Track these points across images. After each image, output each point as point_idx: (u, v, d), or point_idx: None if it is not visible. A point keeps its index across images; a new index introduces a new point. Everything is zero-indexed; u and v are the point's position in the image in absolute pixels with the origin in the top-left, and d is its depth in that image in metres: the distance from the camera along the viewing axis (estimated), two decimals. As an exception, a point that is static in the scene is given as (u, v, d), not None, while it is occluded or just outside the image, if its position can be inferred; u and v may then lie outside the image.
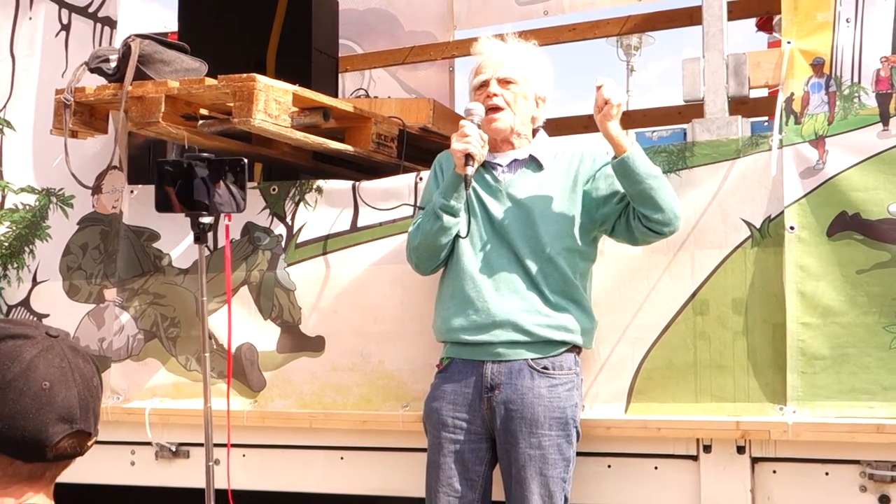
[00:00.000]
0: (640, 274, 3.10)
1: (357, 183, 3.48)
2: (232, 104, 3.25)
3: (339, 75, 5.27)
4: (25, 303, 3.88)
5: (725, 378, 2.98)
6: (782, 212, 2.96)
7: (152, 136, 3.63)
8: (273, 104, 3.27)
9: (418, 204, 3.29)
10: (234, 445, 3.16)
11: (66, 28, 3.99)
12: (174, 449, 3.58)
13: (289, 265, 3.49)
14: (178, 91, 3.36)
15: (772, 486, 2.96)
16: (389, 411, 3.31)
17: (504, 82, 2.97)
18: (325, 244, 3.46)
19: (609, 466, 3.10)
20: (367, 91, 5.68)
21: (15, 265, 3.91)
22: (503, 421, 2.85)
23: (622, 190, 2.88)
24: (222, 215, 2.97)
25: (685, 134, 3.17)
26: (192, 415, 3.46)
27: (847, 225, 2.90)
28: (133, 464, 3.66)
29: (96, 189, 3.82)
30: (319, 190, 3.51)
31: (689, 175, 3.07)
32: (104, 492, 3.68)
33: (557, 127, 4.77)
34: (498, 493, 2.94)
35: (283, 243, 3.51)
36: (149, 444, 3.60)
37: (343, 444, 3.40)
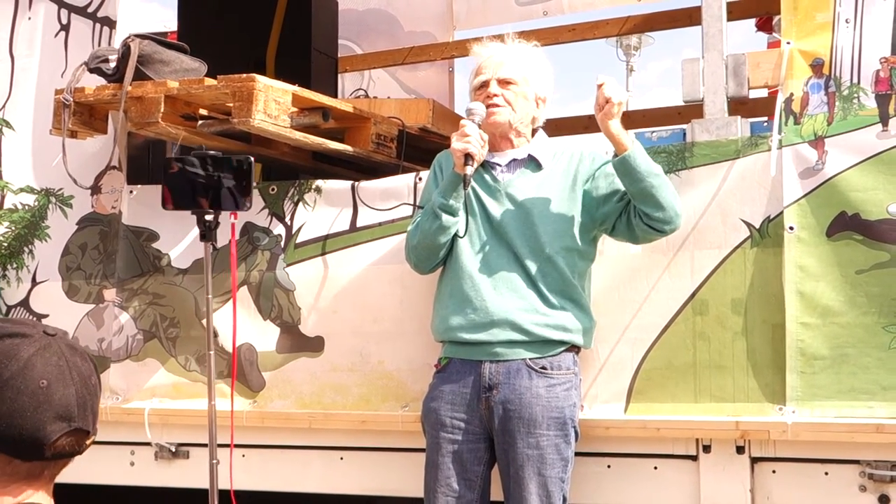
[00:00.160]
0: (640, 274, 3.10)
1: (356, 183, 3.48)
2: (231, 104, 3.25)
3: (339, 75, 5.27)
4: (25, 303, 3.88)
5: (725, 378, 2.98)
6: (782, 212, 2.96)
7: (152, 137, 3.63)
8: (272, 104, 3.27)
9: (417, 203, 3.30)
10: (233, 445, 3.16)
11: (65, 28, 3.99)
12: (174, 449, 3.58)
13: (288, 265, 3.49)
14: (177, 91, 3.36)
15: (771, 486, 2.96)
16: (389, 411, 3.31)
17: (504, 83, 2.98)
18: (325, 244, 3.46)
19: (609, 466, 3.10)
20: (366, 91, 5.68)
21: (14, 265, 3.91)
22: (501, 421, 2.85)
23: (622, 188, 2.88)
24: (228, 213, 2.96)
25: (685, 134, 3.17)
26: (192, 415, 3.47)
27: (846, 225, 2.91)
28: (132, 464, 3.66)
29: (95, 189, 3.82)
30: (318, 190, 3.51)
31: (688, 175, 3.07)
32: (104, 492, 3.68)
33: (558, 127, 4.78)
34: (497, 492, 2.94)
35: (282, 243, 3.51)
36: (148, 444, 3.60)
37: (342, 445, 3.40)
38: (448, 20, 5.84)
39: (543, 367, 2.87)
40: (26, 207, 3.94)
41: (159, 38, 3.57)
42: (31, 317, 3.85)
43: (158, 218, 3.56)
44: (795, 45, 3.03)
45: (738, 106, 3.32)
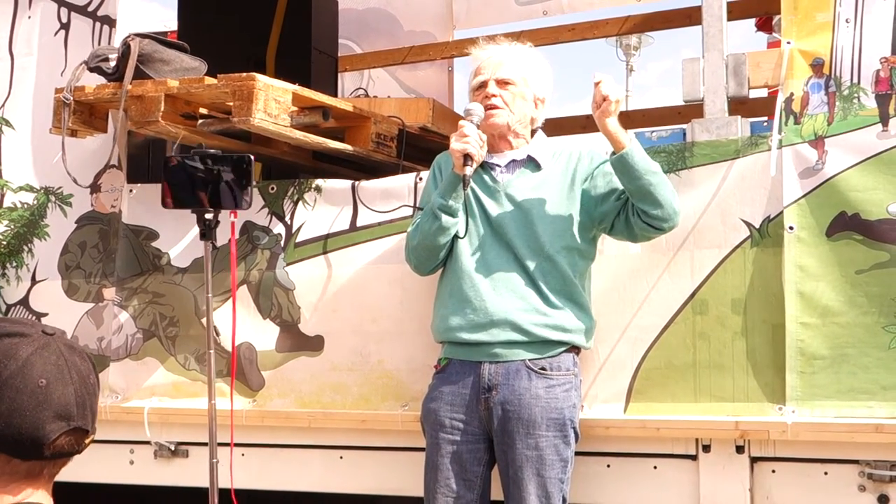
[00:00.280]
0: (640, 274, 3.10)
1: (356, 182, 3.48)
2: (231, 103, 3.25)
3: (339, 75, 5.27)
4: (24, 302, 3.88)
5: (724, 378, 2.98)
6: (781, 212, 2.96)
7: (152, 135, 3.63)
8: (273, 103, 3.27)
9: (417, 204, 3.30)
10: (230, 445, 3.16)
11: (65, 27, 3.99)
12: (173, 448, 3.58)
13: (288, 264, 3.48)
14: (177, 90, 3.36)
15: (771, 486, 2.96)
16: (388, 411, 3.31)
17: (502, 83, 2.98)
18: (325, 243, 3.46)
19: (608, 466, 3.10)
20: (366, 91, 5.68)
21: (14, 264, 3.91)
22: (500, 422, 2.85)
23: (621, 187, 2.88)
24: (228, 212, 2.96)
25: (684, 134, 3.17)
26: (191, 414, 3.47)
27: (846, 225, 2.91)
28: (132, 463, 3.66)
29: (95, 188, 3.82)
30: (318, 189, 3.51)
31: (688, 175, 3.07)
32: (103, 491, 3.68)
33: (556, 126, 4.77)
34: (497, 492, 2.94)
35: (281, 242, 3.51)
36: (148, 443, 3.59)
37: (342, 444, 3.40)
38: (448, 20, 5.84)
39: (543, 368, 2.87)
40: (26, 206, 3.93)
41: (159, 38, 3.57)
42: (30, 315, 3.85)
43: (158, 217, 3.56)
44: (796, 45, 3.03)
45: (738, 106, 3.32)
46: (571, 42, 5.56)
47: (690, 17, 4.88)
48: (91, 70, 3.53)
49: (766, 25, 6.87)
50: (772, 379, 2.94)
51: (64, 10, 3.98)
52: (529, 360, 2.87)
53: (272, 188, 3.57)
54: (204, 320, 3.21)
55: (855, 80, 2.94)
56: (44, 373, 1.48)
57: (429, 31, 5.81)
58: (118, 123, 3.49)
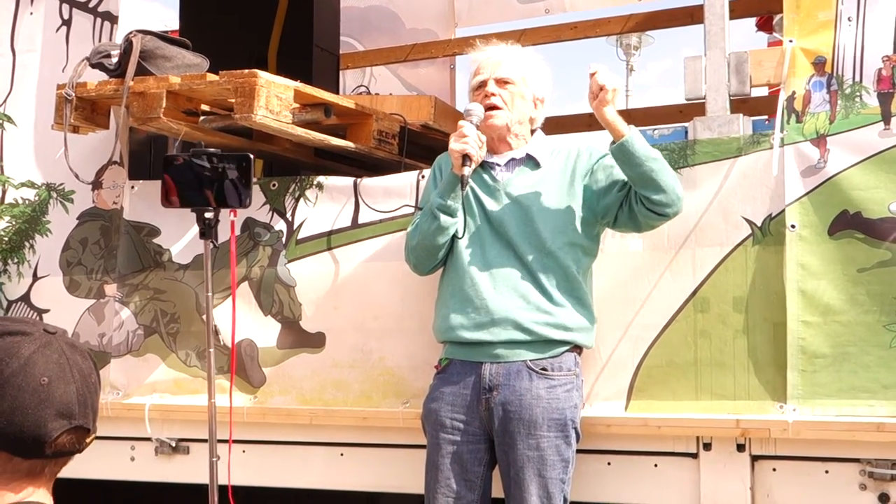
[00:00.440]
0: (641, 272, 3.09)
1: (358, 180, 3.48)
2: (233, 100, 3.25)
3: (340, 72, 5.28)
4: (26, 298, 3.88)
5: (726, 376, 2.98)
6: (783, 210, 2.96)
7: (153, 132, 3.63)
8: (274, 100, 3.27)
9: (417, 204, 3.30)
10: (234, 441, 3.16)
11: (66, 23, 3.98)
12: (174, 445, 3.58)
13: (289, 261, 3.48)
14: (179, 87, 3.35)
15: (771, 484, 2.96)
16: (389, 408, 3.31)
17: (502, 82, 2.98)
18: (326, 240, 3.46)
19: (609, 464, 3.10)
20: (368, 88, 5.69)
21: (15, 260, 3.91)
22: (501, 422, 2.85)
23: (622, 178, 2.88)
24: (227, 210, 2.96)
25: (686, 132, 3.17)
26: (192, 411, 3.47)
27: (848, 224, 2.90)
28: (133, 459, 3.66)
29: (96, 184, 3.82)
30: (320, 186, 3.51)
31: (690, 173, 3.07)
32: (104, 487, 3.68)
33: (558, 125, 4.77)
34: (497, 492, 2.94)
35: (283, 239, 3.51)
36: (149, 439, 3.60)
37: (343, 441, 3.40)
38: (449, 17, 5.85)
39: (544, 369, 2.86)
40: (27, 202, 3.93)
41: (161, 34, 3.57)
42: (32, 311, 3.85)
43: (160, 213, 3.56)
44: (798, 44, 3.03)
45: (740, 104, 3.31)
46: (573, 41, 5.55)
47: (693, 15, 4.88)
48: (93, 66, 3.53)
49: (766, 25, 6.88)
50: (773, 377, 2.94)
51: (65, 7, 3.98)
52: (531, 360, 2.87)
53: (274, 185, 3.57)
54: (205, 316, 3.20)
55: (857, 79, 2.94)
56: (45, 371, 1.48)
57: (430, 29, 5.82)
58: (120, 120, 3.49)
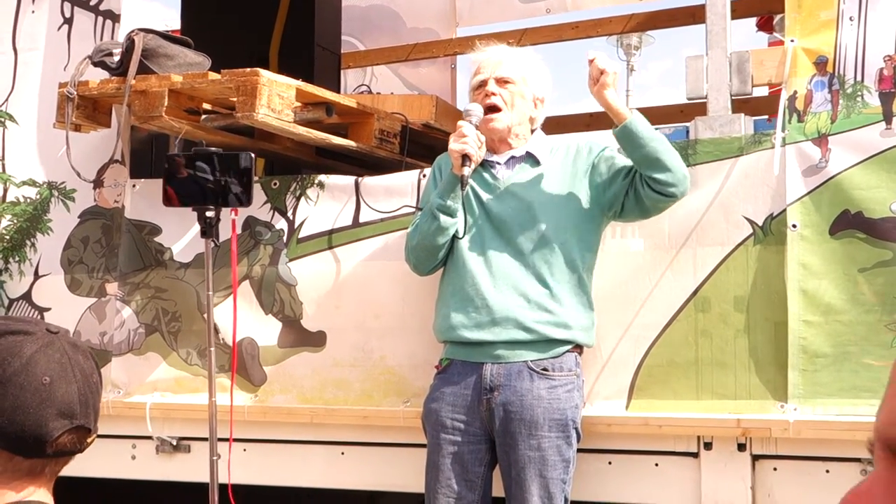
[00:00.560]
0: (642, 271, 3.10)
1: (359, 179, 3.48)
2: (235, 99, 3.26)
3: (342, 72, 5.28)
4: (27, 296, 3.88)
5: (727, 375, 2.98)
6: (784, 210, 2.96)
7: (155, 131, 3.63)
8: (276, 99, 3.27)
9: (418, 204, 3.30)
10: (234, 440, 3.16)
11: (68, 21, 3.98)
12: (175, 443, 3.58)
13: (290, 260, 3.49)
14: (181, 85, 3.36)
15: (772, 484, 2.96)
16: (390, 407, 3.31)
17: (502, 82, 2.99)
18: (327, 239, 3.46)
19: (610, 463, 3.10)
20: (369, 87, 5.69)
21: (17, 258, 3.91)
22: (502, 423, 2.85)
23: (625, 166, 2.90)
24: (228, 209, 2.96)
25: (688, 132, 3.17)
26: (193, 409, 3.47)
27: (849, 223, 2.90)
28: (134, 458, 3.66)
29: (98, 183, 3.82)
30: (321, 185, 3.51)
31: (691, 173, 3.05)
32: (105, 485, 3.68)
33: (559, 125, 4.77)
34: (498, 492, 2.94)
35: (284, 238, 3.51)
36: (149, 438, 3.60)
37: (344, 440, 3.40)
38: (451, 17, 5.84)
39: (545, 369, 2.86)
40: (29, 200, 3.93)
41: (164, 33, 3.57)
42: (33, 310, 3.85)
43: (161, 212, 3.55)
44: (799, 43, 3.03)
45: (741, 104, 3.32)
46: (574, 40, 5.55)
47: (694, 15, 4.88)
48: (95, 65, 3.54)
49: (766, 25, 6.87)
50: (774, 376, 2.94)
51: (67, 5, 3.98)
52: (532, 360, 2.87)
53: (275, 184, 3.57)
54: (206, 315, 3.21)
55: (858, 78, 2.94)
56: (47, 370, 1.48)
57: (432, 29, 5.82)
58: (122, 118, 3.50)
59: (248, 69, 3.24)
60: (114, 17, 3.90)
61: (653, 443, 3.06)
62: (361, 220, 3.43)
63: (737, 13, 3.94)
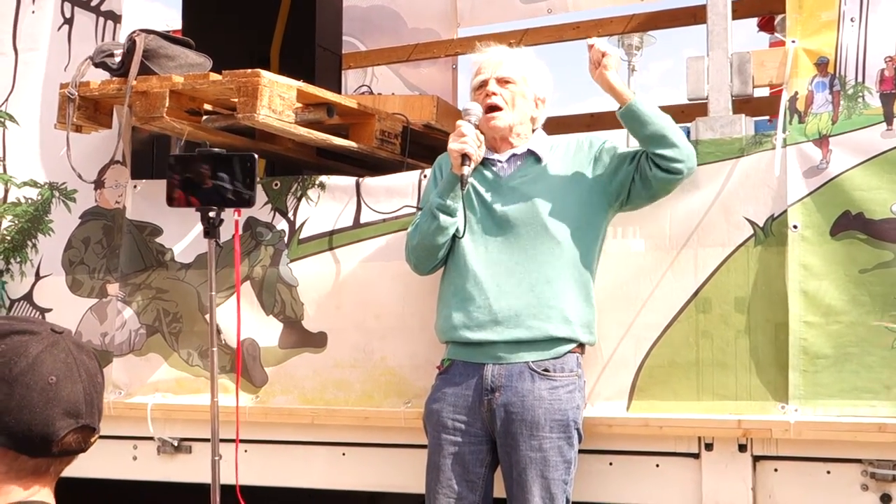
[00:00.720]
0: (643, 272, 3.09)
1: (360, 179, 3.48)
2: (236, 99, 3.26)
3: (343, 72, 5.28)
4: (28, 297, 3.88)
5: (727, 376, 2.98)
6: (785, 211, 2.96)
7: (156, 131, 3.63)
8: (277, 100, 3.27)
9: (419, 204, 3.30)
10: (234, 441, 3.16)
11: (68, 22, 3.99)
12: (176, 444, 3.58)
13: (291, 261, 3.49)
14: (182, 86, 3.36)
15: (773, 485, 2.96)
16: (391, 408, 3.31)
17: (503, 82, 2.99)
18: (328, 240, 3.46)
19: (610, 464, 3.10)
20: (370, 88, 5.69)
21: (18, 259, 3.91)
22: (503, 423, 2.85)
23: (629, 153, 2.93)
24: (231, 210, 2.96)
25: (689, 132, 3.17)
26: (195, 410, 3.47)
27: (850, 224, 2.90)
28: (135, 458, 3.66)
29: (99, 183, 3.82)
30: (322, 186, 3.51)
31: (692, 174, 3.06)
32: (106, 486, 3.68)
33: (560, 125, 4.77)
34: (499, 492, 2.94)
35: (285, 239, 3.51)
36: (151, 438, 3.60)
37: (345, 440, 3.40)
38: (452, 17, 5.84)
39: (546, 370, 2.86)
40: (30, 201, 3.94)
41: (165, 34, 3.57)
42: (34, 311, 3.86)
43: (162, 213, 3.56)
44: (800, 44, 3.03)
45: (742, 104, 3.31)
46: (576, 41, 5.55)
47: (695, 15, 4.88)
48: (96, 65, 3.54)
49: (768, 25, 6.87)
50: (775, 377, 2.94)
51: (67, 5, 3.99)
52: (533, 361, 2.87)
53: (276, 184, 3.57)
54: (207, 316, 3.21)
55: (859, 79, 2.94)
56: (53, 370, 1.49)
57: (433, 29, 5.81)
58: (123, 119, 3.50)
59: (249, 70, 3.24)
60: (115, 17, 3.90)
61: (653, 444, 3.06)
62: (362, 220, 3.43)
63: (738, 13, 3.94)
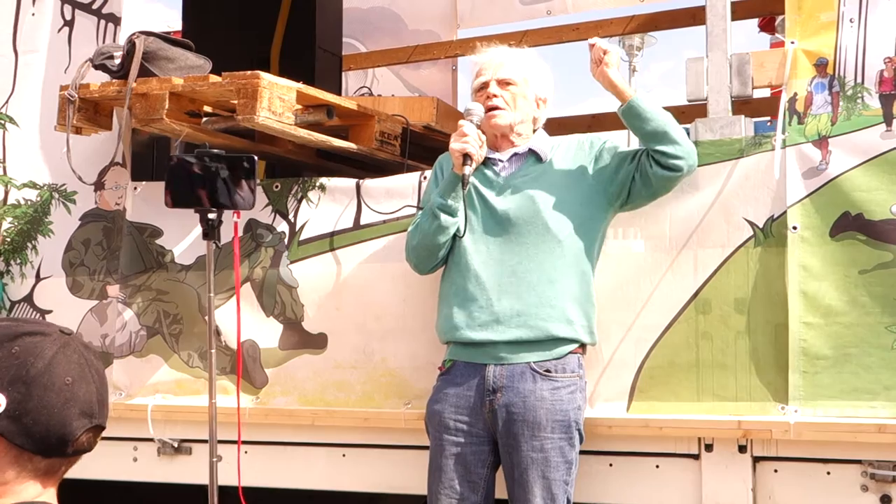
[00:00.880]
0: (643, 273, 3.10)
1: (360, 181, 3.48)
2: (236, 101, 3.26)
3: (343, 73, 5.28)
4: (29, 299, 3.89)
5: (727, 377, 2.98)
6: (785, 212, 2.96)
7: (156, 133, 3.63)
8: (277, 101, 3.27)
9: (419, 205, 3.30)
10: (236, 442, 3.16)
11: (69, 24, 3.99)
12: (176, 445, 3.59)
13: (291, 262, 3.49)
14: (182, 88, 3.36)
15: (773, 486, 2.96)
16: (392, 409, 3.31)
17: (504, 83, 3.00)
18: (329, 241, 3.46)
19: (611, 465, 3.10)
20: (370, 89, 5.69)
21: (18, 261, 3.92)
22: (505, 424, 2.85)
23: (630, 152, 2.94)
24: (231, 212, 2.97)
25: (688, 133, 3.17)
26: (195, 411, 3.47)
27: (850, 225, 2.90)
28: (135, 460, 3.67)
29: (99, 185, 3.83)
30: (322, 187, 3.52)
31: (692, 174, 3.07)
32: (106, 487, 3.68)
33: (561, 126, 4.77)
34: (501, 493, 2.94)
35: (285, 240, 3.51)
36: (151, 440, 3.60)
37: (345, 442, 3.40)
38: (452, 19, 5.84)
39: (548, 371, 2.87)
40: (30, 203, 3.94)
41: (164, 36, 3.58)
42: (35, 312, 3.86)
43: (162, 214, 3.56)
44: (799, 45, 3.03)
45: (742, 105, 3.32)
46: (575, 42, 5.54)
47: (695, 16, 4.88)
48: (96, 67, 3.54)
49: (768, 26, 6.87)
50: (774, 378, 2.94)
51: (68, 7, 3.99)
52: (534, 362, 2.87)
53: (276, 186, 3.58)
54: (207, 317, 3.21)
55: (859, 80, 2.94)
56: (68, 371, 1.50)
57: (433, 30, 5.82)
58: (123, 121, 3.50)
59: (249, 72, 3.24)
60: (115, 20, 3.91)
61: (654, 444, 3.06)
62: (362, 222, 3.44)
63: (737, 14, 3.94)
